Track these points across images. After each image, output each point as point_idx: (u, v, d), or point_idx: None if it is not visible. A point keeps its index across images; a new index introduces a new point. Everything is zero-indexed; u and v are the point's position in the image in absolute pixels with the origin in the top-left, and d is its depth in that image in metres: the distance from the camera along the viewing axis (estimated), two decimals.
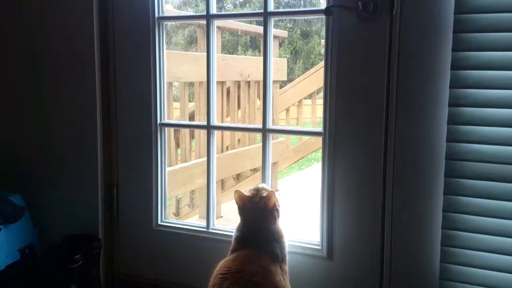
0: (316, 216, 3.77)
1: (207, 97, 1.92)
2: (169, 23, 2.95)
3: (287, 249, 1.61)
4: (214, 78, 1.92)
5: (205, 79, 1.93)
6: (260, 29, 4.24)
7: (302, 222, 3.63)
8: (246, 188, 1.69)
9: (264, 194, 1.61)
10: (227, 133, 4.04)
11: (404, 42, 1.59)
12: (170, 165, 3.48)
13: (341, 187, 1.73)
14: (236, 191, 1.64)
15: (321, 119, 1.78)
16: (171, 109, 3.80)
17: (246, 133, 4.25)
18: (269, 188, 1.68)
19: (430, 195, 1.60)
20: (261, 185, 1.69)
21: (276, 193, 1.65)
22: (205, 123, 1.95)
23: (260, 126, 1.87)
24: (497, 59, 1.46)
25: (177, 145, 3.77)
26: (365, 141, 1.68)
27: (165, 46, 1.98)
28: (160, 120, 1.99)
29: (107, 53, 2.01)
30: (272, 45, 1.84)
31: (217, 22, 2.48)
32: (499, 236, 1.51)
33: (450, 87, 1.51)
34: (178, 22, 5.84)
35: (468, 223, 1.54)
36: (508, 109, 1.47)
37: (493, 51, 1.46)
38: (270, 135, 1.89)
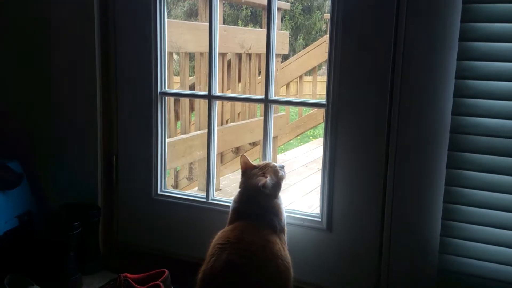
0: (314, 190, 3.80)
1: (208, 66, 1.89)
2: None
3: (285, 221, 1.60)
4: (216, 46, 1.88)
5: (206, 50, 1.89)
6: (262, 1, 4.18)
7: (301, 196, 3.65)
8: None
9: (270, 169, 1.59)
10: (227, 107, 4.01)
11: (411, 11, 1.55)
12: (169, 137, 3.46)
13: (343, 159, 1.71)
14: (242, 156, 1.63)
15: (321, 96, 1.75)
16: (171, 82, 3.76)
17: (246, 107, 4.22)
18: (279, 164, 1.65)
19: (433, 169, 1.59)
20: (271, 163, 1.65)
21: (279, 167, 1.62)
22: (206, 92, 1.92)
23: (262, 97, 1.84)
24: (506, 31, 1.43)
25: (177, 117, 3.74)
26: (369, 113, 1.66)
27: (166, 13, 1.93)
28: (161, 89, 1.97)
29: (107, 19, 1.97)
30: (276, 15, 1.80)
31: None
32: (500, 210, 1.50)
33: (457, 59, 1.48)
34: None
35: (470, 197, 1.53)
36: None
37: (502, 22, 1.43)
38: (272, 107, 1.87)
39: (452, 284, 1.59)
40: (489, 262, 1.53)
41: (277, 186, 1.59)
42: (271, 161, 1.68)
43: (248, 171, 1.61)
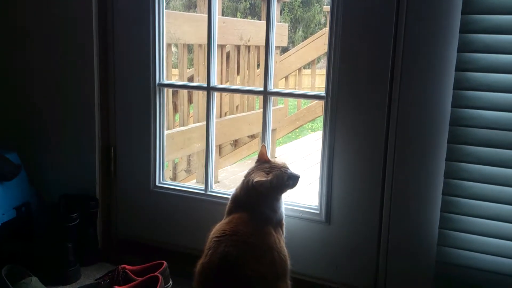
0: (312, 183, 3.79)
1: (207, 57, 1.88)
2: None
3: (283, 214, 1.59)
4: (215, 37, 1.87)
5: (205, 42, 1.88)
6: None
7: (299, 189, 3.64)
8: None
9: (277, 172, 1.53)
10: (225, 99, 4.00)
11: (412, 2, 1.54)
12: (168, 129, 3.46)
13: (342, 151, 1.71)
14: (263, 145, 1.63)
15: (320, 89, 1.75)
16: (169, 74, 3.74)
17: (245, 99, 4.21)
18: (295, 173, 1.56)
19: (432, 161, 1.59)
20: (285, 168, 1.57)
21: (290, 175, 1.54)
22: (205, 84, 1.91)
23: (261, 88, 1.84)
24: (507, 23, 1.42)
25: (175, 109, 3.73)
26: (368, 106, 1.65)
27: (164, 4, 1.92)
28: (159, 80, 1.96)
29: (105, 9, 1.95)
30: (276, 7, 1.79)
31: None
32: (499, 203, 1.50)
33: (458, 51, 1.47)
34: None
35: (469, 189, 1.53)
36: None
37: (502, 14, 1.42)
38: (271, 98, 1.86)
39: (450, 276, 1.59)
40: (487, 255, 1.53)
41: (274, 189, 1.53)
42: (287, 166, 1.59)
43: (260, 163, 1.60)
